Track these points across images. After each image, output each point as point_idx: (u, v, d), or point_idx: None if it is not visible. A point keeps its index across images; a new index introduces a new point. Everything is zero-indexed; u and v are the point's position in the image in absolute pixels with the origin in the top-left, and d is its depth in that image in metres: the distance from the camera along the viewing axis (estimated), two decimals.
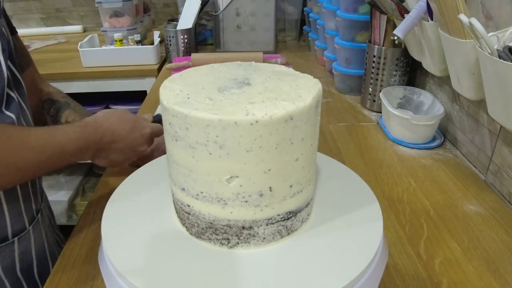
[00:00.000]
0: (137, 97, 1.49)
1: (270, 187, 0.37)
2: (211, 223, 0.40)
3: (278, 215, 0.40)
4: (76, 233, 0.61)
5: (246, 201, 0.38)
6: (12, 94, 0.53)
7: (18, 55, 0.60)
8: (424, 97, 0.93)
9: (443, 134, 0.90)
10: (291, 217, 0.41)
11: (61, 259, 0.56)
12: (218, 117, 0.34)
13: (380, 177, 0.75)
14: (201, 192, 0.38)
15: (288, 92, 0.38)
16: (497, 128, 0.70)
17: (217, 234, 0.40)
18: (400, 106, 0.96)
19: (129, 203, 0.47)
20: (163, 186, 0.48)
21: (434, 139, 0.88)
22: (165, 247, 0.41)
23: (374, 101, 1.03)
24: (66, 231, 0.65)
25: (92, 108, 1.61)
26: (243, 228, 0.39)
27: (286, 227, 0.41)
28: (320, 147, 0.84)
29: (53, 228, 0.68)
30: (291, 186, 0.39)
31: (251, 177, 0.36)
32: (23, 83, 0.58)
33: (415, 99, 0.95)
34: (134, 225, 0.44)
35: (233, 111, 0.35)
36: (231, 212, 0.38)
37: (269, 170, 0.36)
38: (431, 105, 0.90)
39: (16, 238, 0.55)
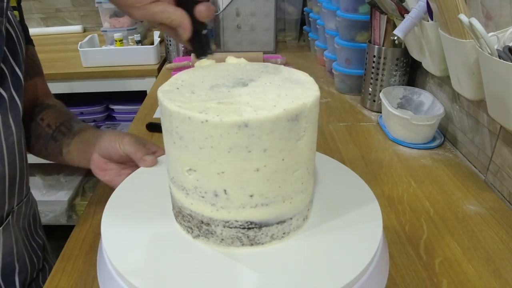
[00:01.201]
0: (137, 97, 1.49)
1: (225, 190, 0.37)
2: (179, 208, 0.42)
3: (236, 221, 0.39)
4: (76, 233, 0.61)
5: (203, 197, 0.38)
6: (3, 92, 0.52)
7: (25, 63, 0.59)
8: (424, 97, 0.93)
9: (443, 134, 0.90)
10: (253, 227, 0.39)
11: (61, 259, 0.56)
12: (177, 110, 0.35)
13: (380, 177, 0.75)
14: (172, 178, 0.41)
15: (269, 100, 0.37)
16: (497, 128, 0.70)
17: (184, 221, 0.42)
18: (400, 106, 0.96)
19: (129, 203, 0.47)
20: (163, 186, 0.48)
21: (434, 139, 0.88)
22: (165, 248, 0.41)
23: (374, 101, 1.03)
24: (66, 231, 0.65)
25: (92, 108, 1.61)
26: (202, 222, 0.40)
27: (248, 237, 0.40)
28: (320, 147, 0.84)
29: (31, 234, 0.66)
30: (251, 196, 0.38)
31: (205, 175, 0.37)
32: (21, 87, 0.57)
33: (415, 99, 0.95)
34: (134, 225, 0.44)
35: (196, 107, 0.36)
36: (191, 203, 0.40)
37: (222, 172, 0.36)
38: (431, 105, 0.90)
39: None
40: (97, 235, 0.59)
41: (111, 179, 0.60)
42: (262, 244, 0.41)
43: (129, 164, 0.60)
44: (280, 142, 0.36)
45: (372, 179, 0.74)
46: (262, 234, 0.40)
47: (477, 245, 0.58)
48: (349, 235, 0.42)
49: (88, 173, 1.83)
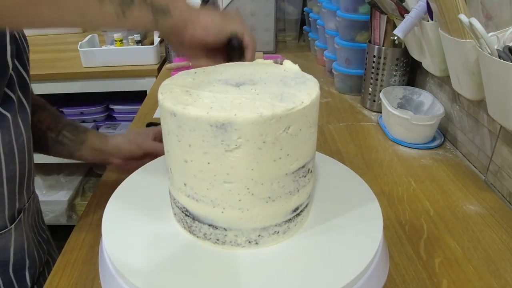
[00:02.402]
0: (137, 97, 1.49)
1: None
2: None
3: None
4: (76, 233, 0.61)
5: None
6: (11, 94, 0.53)
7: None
8: (424, 97, 0.93)
9: (443, 134, 0.90)
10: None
11: (61, 259, 0.56)
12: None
13: (380, 177, 0.75)
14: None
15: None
16: (497, 128, 0.70)
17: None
18: (400, 106, 0.96)
19: (129, 203, 0.47)
20: (163, 185, 0.48)
21: (434, 139, 0.88)
22: (165, 247, 0.41)
23: (374, 101, 1.03)
24: (66, 231, 0.65)
25: (92, 108, 1.61)
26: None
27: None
28: (320, 147, 0.84)
29: (37, 229, 0.68)
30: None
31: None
32: (30, 87, 0.59)
33: (415, 99, 0.95)
34: (134, 225, 0.44)
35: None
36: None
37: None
38: (431, 105, 0.90)
39: None
40: (97, 235, 0.59)
41: (134, 168, 0.64)
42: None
43: (148, 157, 0.67)
44: (204, 145, 0.36)
45: (372, 179, 0.74)
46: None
47: (477, 245, 0.58)
48: (349, 235, 0.42)
49: (88, 173, 1.83)
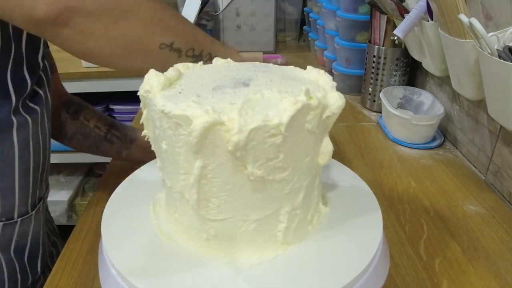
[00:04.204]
0: (137, 97, 1.49)
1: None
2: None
3: None
4: (76, 233, 0.61)
5: None
6: (39, 91, 0.56)
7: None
8: (424, 97, 0.93)
9: (443, 134, 0.90)
10: None
11: (61, 259, 0.56)
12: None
13: (380, 177, 0.75)
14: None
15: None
16: (497, 128, 0.70)
17: None
18: (400, 106, 0.96)
19: (129, 203, 0.47)
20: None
21: (434, 139, 0.88)
22: (165, 247, 0.41)
23: (374, 101, 1.03)
24: (66, 231, 0.65)
25: None
26: None
27: None
28: None
29: (46, 217, 0.70)
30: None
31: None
32: (50, 86, 0.62)
33: (415, 99, 0.95)
34: (134, 225, 0.44)
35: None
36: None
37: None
38: (431, 105, 0.90)
39: (19, 219, 0.57)
40: (97, 235, 0.59)
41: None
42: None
43: None
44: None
45: (372, 179, 0.74)
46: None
47: (477, 245, 0.58)
48: (349, 235, 0.42)
49: (88, 173, 1.83)
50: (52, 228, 0.73)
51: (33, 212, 0.59)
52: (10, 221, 0.56)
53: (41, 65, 0.56)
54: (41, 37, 0.53)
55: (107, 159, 0.79)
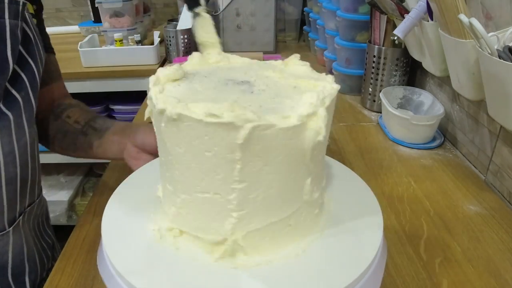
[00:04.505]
0: (137, 97, 1.49)
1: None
2: None
3: None
4: (76, 233, 0.61)
5: None
6: (15, 93, 0.52)
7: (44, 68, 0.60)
8: (424, 97, 0.93)
9: (443, 134, 0.90)
10: None
11: (61, 259, 0.56)
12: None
13: (380, 177, 0.75)
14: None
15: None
16: (497, 128, 0.70)
17: None
18: (400, 106, 0.96)
19: (129, 203, 0.47)
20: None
21: (434, 139, 0.88)
22: (165, 247, 0.41)
23: (374, 101, 1.03)
24: (66, 231, 0.65)
25: (92, 108, 1.61)
26: None
27: None
28: None
29: (41, 234, 0.67)
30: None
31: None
32: (37, 88, 0.57)
33: (415, 99, 0.95)
34: (134, 225, 0.44)
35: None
36: None
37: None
38: (431, 105, 0.90)
39: None
40: (97, 235, 0.59)
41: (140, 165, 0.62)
42: None
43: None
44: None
45: (372, 179, 0.74)
46: None
47: (477, 245, 0.58)
48: (349, 235, 0.42)
49: (88, 173, 1.83)
50: (51, 243, 0.70)
51: (11, 228, 0.56)
52: None
53: (11, 63, 0.51)
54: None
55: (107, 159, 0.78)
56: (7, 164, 0.52)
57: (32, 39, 0.56)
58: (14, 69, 0.52)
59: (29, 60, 0.55)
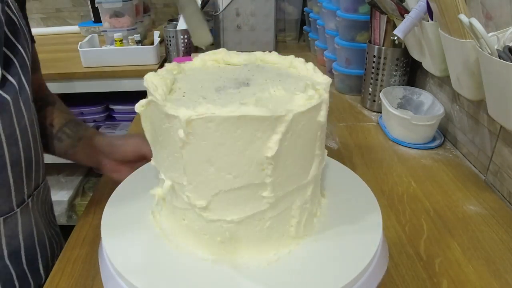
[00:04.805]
0: (137, 97, 1.49)
1: None
2: None
3: None
4: (76, 233, 0.61)
5: None
6: (10, 78, 0.53)
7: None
8: (424, 97, 0.93)
9: (443, 134, 0.90)
10: None
11: (61, 259, 0.56)
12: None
13: (380, 177, 0.75)
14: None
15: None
16: (497, 128, 0.70)
17: None
18: (400, 106, 0.96)
19: (129, 203, 0.47)
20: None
21: (434, 139, 0.88)
22: (165, 247, 0.41)
23: (374, 101, 1.03)
24: (66, 231, 0.65)
25: (92, 108, 1.61)
26: None
27: None
28: None
29: (48, 221, 0.68)
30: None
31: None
32: (28, 73, 0.58)
33: (415, 99, 0.95)
34: (134, 225, 0.44)
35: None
36: None
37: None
38: (431, 105, 0.90)
39: (1, 218, 0.54)
40: (97, 235, 0.59)
41: (126, 176, 0.64)
42: None
43: (142, 161, 0.63)
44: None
45: (372, 179, 0.74)
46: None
47: (477, 245, 0.58)
48: (349, 235, 0.42)
49: (88, 173, 1.83)
50: (58, 232, 0.71)
51: (19, 209, 0.56)
52: None
53: None
54: None
55: None
56: (10, 145, 0.53)
57: (17, 22, 0.56)
58: (5, 54, 0.53)
59: (17, 44, 0.55)
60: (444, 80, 0.89)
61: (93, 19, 1.87)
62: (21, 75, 0.55)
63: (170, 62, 1.43)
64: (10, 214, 0.55)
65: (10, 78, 0.53)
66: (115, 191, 0.49)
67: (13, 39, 0.55)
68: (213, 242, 0.39)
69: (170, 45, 1.46)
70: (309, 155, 0.39)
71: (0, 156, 0.52)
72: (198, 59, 0.49)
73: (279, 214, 0.39)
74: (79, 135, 0.67)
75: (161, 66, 1.47)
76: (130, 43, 1.50)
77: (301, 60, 0.48)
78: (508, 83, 0.55)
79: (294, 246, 0.41)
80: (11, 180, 0.54)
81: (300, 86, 0.40)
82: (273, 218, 0.39)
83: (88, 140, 0.67)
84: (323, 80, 0.42)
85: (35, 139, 0.59)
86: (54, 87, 1.43)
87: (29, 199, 0.59)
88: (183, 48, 1.45)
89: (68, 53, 1.58)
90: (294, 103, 0.36)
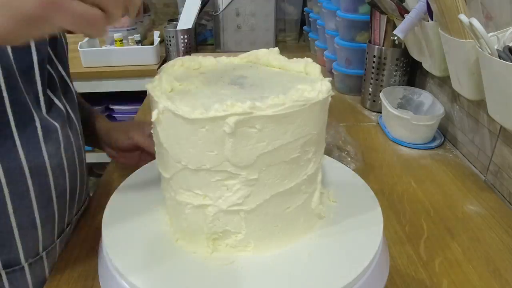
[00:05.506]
0: (137, 97, 1.49)
1: None
2: None
3: None
4: (76, 233, 0.61)
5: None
6: (55, 99, 0.50)
7: None
8: (424, 97, 0.93)
9: (443, 134, 0.90)
10: None
11: (61, 260, 0.56)
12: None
13: (380, 177, 0.75)
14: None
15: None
16: (497, 128, 0.70)
17: None
18: (400, 106, 0.96)
19: (130, 202, 0.47)
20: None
21: (434, 139, 0.88)
22: (165, 247, 0.41)
23: (374, 101, 1.03)
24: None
25: (92, 108, 1.61)
26: None
27: None
28: None
29: None
30: None
31: None
32: (74, 93, 0.56)
33: (415, 99, 0.95)
34: (134, 225, 0.44)
35: None
36: None
37: None
38: (431, 105, 0.90)
39: (44, 253, 0.51)
40: (97, 235, 0.59)
41: (124, 161, 0.65)
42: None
43: (140, 150, 0.64)
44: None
45: (372, 179, 0.74)
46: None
47: (477, 245, 0.58)
48: (349, 235, 0.42)
49: (88, 173, 1.83)
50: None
51: (58, 240, 0.53)
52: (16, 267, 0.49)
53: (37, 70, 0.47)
54: None
55: (107, 159, 0.78)
56: (56, 178, 0.49)
57: (58, 38, 0.53)
58: (49, 73, 0.50)
59: (56, 62, 0.53)
60: (444, 80, 0.89)
61: None
62: (64, 100, 0.52)
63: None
64: (50, 247, 0.53)
65: (57, 101, 0.50)
66: (115, 191, 0.49)
67: (59, 65, 0.53)
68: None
69: (170, 45, 1.46)
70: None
71: (46, 189, 0.49)
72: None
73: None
74: (85, 121, 0.64)
75: (161, 66, 1.47)
76: (130, 43, 1.50)
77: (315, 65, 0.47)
78: (508, 83, 0.55)
79: (294, 245, 0.41)
80: (56, 214, 0.52)
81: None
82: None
83: (92, 128, 0.66)
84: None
85: (81, 165, 0.56)
86: None
87: (68, 227, 0.56)
88: (183, 48, 1.46)
89: (68, 53, 1.58)
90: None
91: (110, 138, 0.65)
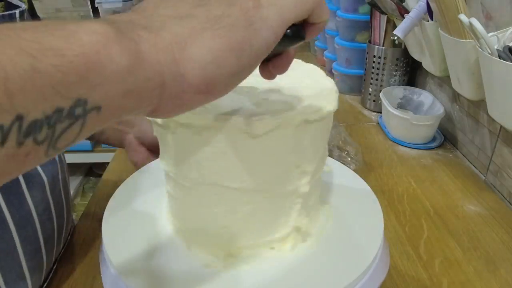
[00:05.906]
0: None
1: None
2: None
3: None
4: (76, 233, 0.61)
5: None
6: None
7: None
8: (424, 97, 0.93)
9: (443, 134, 0.90)
10: None
11: (61, 259, 0.56)
12: None
13: (380, 177, 0.75)
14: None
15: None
16: (497, 128, 0.70)
17: None
18: (400, 106, 0.96)
19: (130, 203, 0.47)
20: (164, 185, 0.48)
21: (434, 139, 0.88)
22: (165, 248, 0.41)
23: (374, 101, 1.03)
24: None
25: None
26: None
27: None
28: None
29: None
30: None
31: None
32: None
33: (415, 99, 0.95)
34: (134, 225, 0.44)
35: None
36: None
37: None
38: (431, 105, 0.90)
39: None
40: (97, 235, 0.59)
41: (138, 161, 0.63)
42: None
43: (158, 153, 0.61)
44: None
45: (372, 179, 0.74)
46: None
47: (477, 245, 0.58)
48: (350, 235, 0.42)
49: (88, 173, 1.83)
50: None
51: (48, 278, 0.51)
52: None
53: None
54: None
55: (107, 159, 0.79)
56: (43, 223, 0.46)
57: None
58: None
59: None
60: (444, 80, 0.89)
61: None
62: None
63: None
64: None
65: None
66: (115, 191, 0.49)
67: None
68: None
69: None
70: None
71: (34, 238, 0.45)
72: None
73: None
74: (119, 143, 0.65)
75: None
76: None
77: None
78: (508, 83, 0.55)
79: (294, 246, 0.41)
80: (45, 257, 0.48)
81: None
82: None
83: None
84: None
85: (67, 197, 0.53)
86: None
87: (54, 266, 0.54)
88: None
89: None
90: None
91: (140, 127, 0.63)
